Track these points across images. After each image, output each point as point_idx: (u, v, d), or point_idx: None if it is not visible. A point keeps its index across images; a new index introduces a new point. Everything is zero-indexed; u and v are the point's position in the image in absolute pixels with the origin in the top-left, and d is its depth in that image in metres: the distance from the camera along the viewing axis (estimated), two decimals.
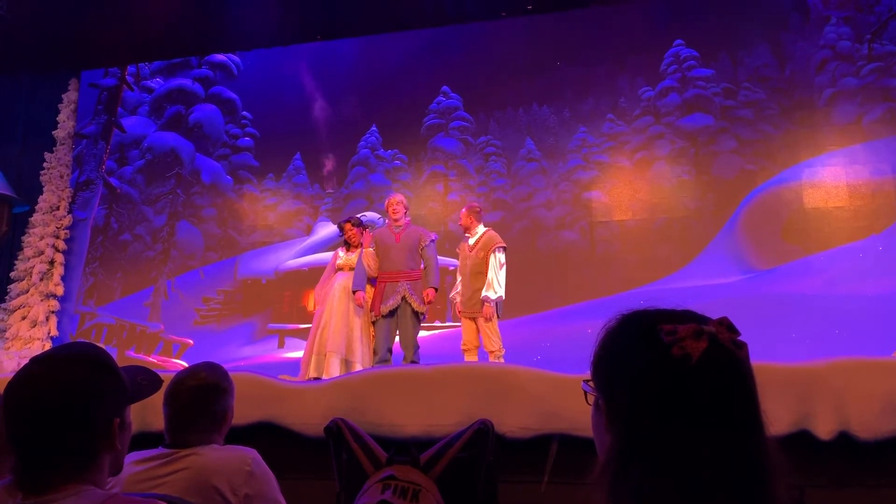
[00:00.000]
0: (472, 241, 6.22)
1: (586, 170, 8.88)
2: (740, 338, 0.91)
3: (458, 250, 6.41)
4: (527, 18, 9.17)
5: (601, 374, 0.98)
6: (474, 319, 6.09)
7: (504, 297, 6.05)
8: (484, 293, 5.95)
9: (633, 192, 8.64)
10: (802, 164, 8.10)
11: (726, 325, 0.91)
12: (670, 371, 0.88)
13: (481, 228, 6.27)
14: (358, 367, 5.82)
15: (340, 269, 6.43)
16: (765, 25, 8.59)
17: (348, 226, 6.53)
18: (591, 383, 1.00)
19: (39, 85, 10.56)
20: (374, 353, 6.06)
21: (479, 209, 6.40)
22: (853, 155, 7.96)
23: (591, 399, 1.00)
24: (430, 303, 6.07)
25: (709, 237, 8.24)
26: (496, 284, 5.96)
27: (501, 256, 6.06)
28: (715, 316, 0.94)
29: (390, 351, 6.06)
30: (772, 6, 8.65)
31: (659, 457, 0.86)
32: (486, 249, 6.06)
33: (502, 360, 5.88)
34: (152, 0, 9.31)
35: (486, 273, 6.00)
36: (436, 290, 6.07)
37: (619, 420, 0.92)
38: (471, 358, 6.09)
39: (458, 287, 6.30)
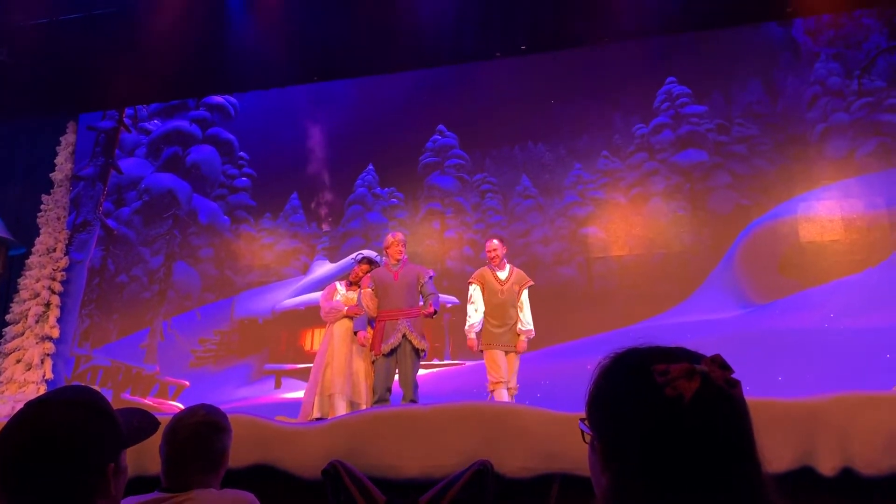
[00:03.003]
0: (503, 275, 6.25)
1: (582, 206, 8.92)
2: (734, 375, 0.91)
3: (476, 281, 6.29)
4: (521, 58, 9.30)
5: (595, 414, 0.98)
6: (506, 352, 6.06)
7: None
8: (527, 327, 6.12)
9: (629, 228, 8.67)
10: (797, 198, 8.15)
11: (719, 362, 0.91)
12: (663, 412, 0.87)
13: (507, 264, 6.39)
14: (363, 409, 5.78)
15: None
16: (756, 62, 8.71)
17: (365, 266, 6.49)
18: (587, 422, 0.99)
19: (38, 128, 10.64)
20: (374, 392, 6.00)
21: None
22: (847, 189, 8.01)
23: (588, 438, 0.99)
24: (429, 314, 5.97)
25: (706, 272, 8.25)
26: (531, 320, 6.18)
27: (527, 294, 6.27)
28: (713, 352, 0.94)
29: (389, 390, 6.00)
30: (762, 43, 8.78)
31: (655, 498, 0.85)
32: (521, 285, 6.23)
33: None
34: (150, 43, 9.43)
35: (518, 307, 6.16)
36: (436, 312, 6.01)
37: (614, 461, 0.92)
38: (501, 392, 5.94)
39: (477, 320, 6.19)
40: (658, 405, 0.87)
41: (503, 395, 5.93)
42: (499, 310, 6.13)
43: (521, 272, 6.34)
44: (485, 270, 6.31)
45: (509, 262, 6.48)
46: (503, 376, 5.97)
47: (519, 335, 6.13)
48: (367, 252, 6.85)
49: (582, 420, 1.00)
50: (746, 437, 0.90)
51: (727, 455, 0.86)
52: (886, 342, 7.15)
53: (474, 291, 6.25)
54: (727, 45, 8.80)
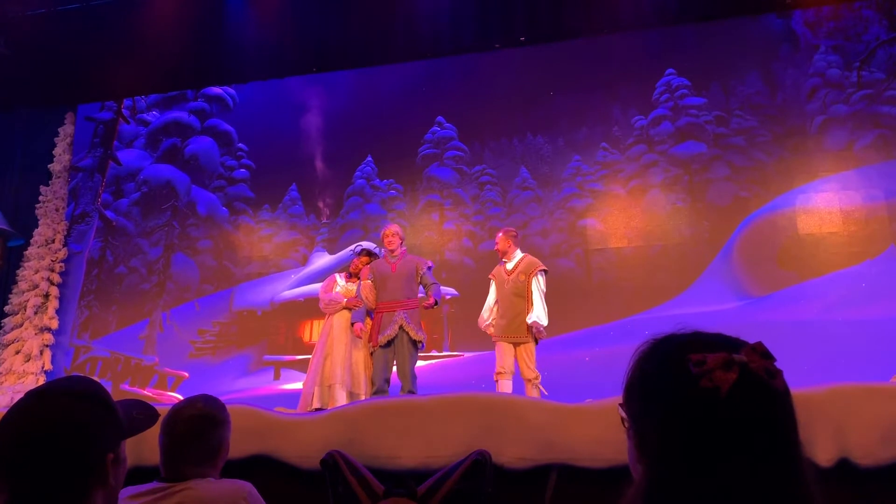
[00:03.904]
0: (510, 266, 6.20)
1: (581, 198, 8.91)
2: (775, 363, 0.88)
3: (491, 276, 6.34)
4: (520, 50, 9.26)
5: (631, 402, 0.95)
6: (514, 345, 6.03)
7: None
8: (533, 318, 5.90)
9: (628, 220, 8.67)
10: (796, 190, 8.15)
11: (760, 351, 0.88)
12: (699, 404, 0.84)
13: (519, 253, 6.27)
14: (362, 399, 5.80)
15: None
16: (755, 54, 8.70)
17: (364, 258, 6.50)
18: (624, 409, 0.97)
19: (36, 119, 10.61)
20: (372, 383, 6.02)
21: (515, 233, 6.39)
22: (846, 181, 8.01)
23: (626, 424, 0.97)
24: (428, 305, 5.99)
25: (704, 264, 8.26)
26: (542, 308, 5.96)
27: (542, 280, 6.07)
28: None
29: (388, 382, 6.02)
30: (762, 35, 8.76)
31: (690, 491, 0.83)
32: (528, 273, 6.05)
33: (540, 387, 5.86)
34: (149, 34, 9.41)
35: (527, 297, 5.99)
36: (437, 302, 6.04)
37: (649, 451, 0.90)
38: (504, 382, 5.99)
39: (490, 313, 6.24)
40: (693, 397, 0.85)
41: (505, 386, 5.95)
42: (504, 302, 6.14)
43: (531, 260, 6.16)
44: (499, 265, 6.34)
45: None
46: (505, 367, 6.00)
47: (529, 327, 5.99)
48: (366, 244, 6.88)
49: (621, 405, 0.98)
50: (787, 429, 0.87)
51: (766, 447, 0.84)
52: (884, 334, 7.16)
53: (491, 287, 6.31)
54: (727, 37, 8.78)
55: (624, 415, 0.97)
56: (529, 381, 5.89)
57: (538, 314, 5.93)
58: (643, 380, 0.94)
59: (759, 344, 0.89)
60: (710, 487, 0.82)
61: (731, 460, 0.83)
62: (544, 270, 6.11)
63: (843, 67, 8.36)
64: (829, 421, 3.40)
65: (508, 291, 6.11)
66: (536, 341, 6.02)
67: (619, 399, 0.99)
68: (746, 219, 8.25)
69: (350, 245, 8.10)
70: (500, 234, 6.37)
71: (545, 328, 6.00)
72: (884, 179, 7.86)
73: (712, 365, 0.85)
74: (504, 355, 6.05)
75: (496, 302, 6.22)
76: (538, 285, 6.03)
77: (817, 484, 0.86)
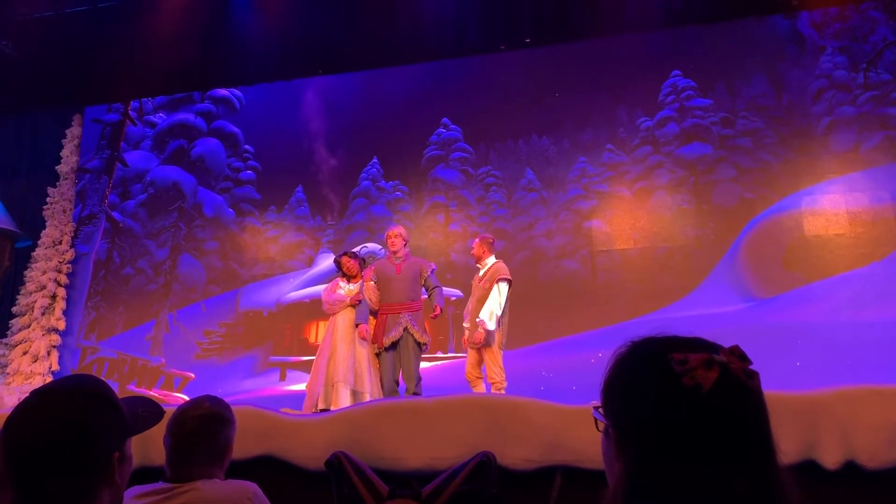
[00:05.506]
0: (481, 273, 6.23)
1: (586, 199, 8.91)
2: (751, 366, 0.91)
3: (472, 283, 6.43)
4: (525, 51, 9.25)
5: (611, 401, 0.97)
6: (478, 350, 6.06)
7: (500, 330, 5.98)
8: (479, 318, 5.89)
9: (633, 221, 8.66)
10: (802, 191, 8.13)
11: (738, 353, 0.91)
12: (681, 401, 0.87)
13: (491, 260, 6.25)
14: (367, 398, 5.81)
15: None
16: (761, 56, 8.68)
17: (345, 259, 6.54)
18: (601, 410, 0.99)
19: (43, 121, 10.65)
20: (382, 387, 6.04)
21: (491, 240, 6.40)
22: (852, 182, 7.98)
23: (601, 426, 0.99)
24: (436, 316, 6.09)
25: (710, 266, 8.24)
26: (490, 313, 5.88)
27: (504, 288, 6.03)
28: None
29: (397, 382, 6.06)
30: (768, 37, 8.74)
31: (669, 487, 0.85)
32: (492, 281, 6.05)
33: (503, 392, 5.85)
34: (155, 36, 9.44)
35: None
36: (442, 310, 6.11)
37: (629, 449, 0.91)
38: (477, 388, 6.05)
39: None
40: (675, 394, 0.87)
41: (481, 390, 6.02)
42: (472, 308, 6.16)
43: (498, 267, 6.13)
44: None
45: (509, 256, 6.48)
46: (469, 373, 6.08)
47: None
48: (370, 245, 6.92)
49: (596, 408, 1.00)
50: (763, 429, 0.90)
51: (743, 445, 0.86)
52: (891, 336, 7.13)
53: None
54: (732, 39, 8.76)
55: (599, 416, 0.99)
56: (493, 384, 5.91)
57: (485, 316, 5.87)
58: (624, 380, 0.96)
59: (737, 347, 0.92)
60: (689, 483, 0.84)
61: (711, 456, 0.85)
62: (508, 280, 6.06)
63: (849, 69, 8.33)
64: (836, 423, 3.39)
65: (475, 298, 6.13)
66: (474, 344, 5.97)
67: (595, 404, 1.01)
68: (752, 220, 8.23)
69: (355, 246, 8.12)
70: (477, 241, 6.37)
71: (500, 332, 5.95)
72: (890, 181, 7.84)
73: (694, 364, 0.87)
74: (470, 361, 6.13)
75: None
76: (498, 292, 5.98)
77: (793, 484, 0.89)
